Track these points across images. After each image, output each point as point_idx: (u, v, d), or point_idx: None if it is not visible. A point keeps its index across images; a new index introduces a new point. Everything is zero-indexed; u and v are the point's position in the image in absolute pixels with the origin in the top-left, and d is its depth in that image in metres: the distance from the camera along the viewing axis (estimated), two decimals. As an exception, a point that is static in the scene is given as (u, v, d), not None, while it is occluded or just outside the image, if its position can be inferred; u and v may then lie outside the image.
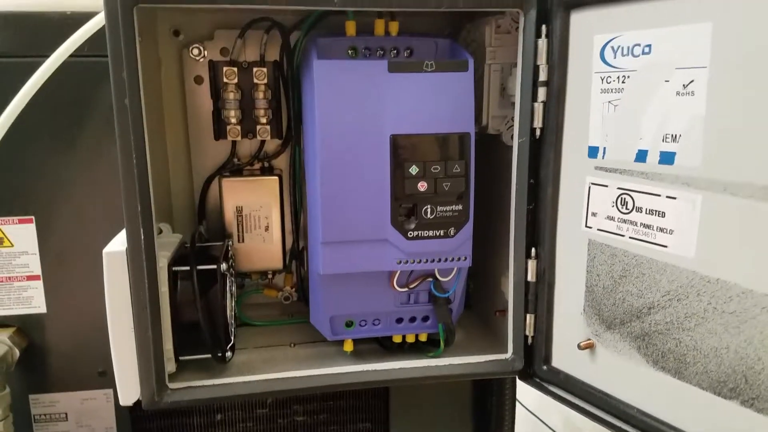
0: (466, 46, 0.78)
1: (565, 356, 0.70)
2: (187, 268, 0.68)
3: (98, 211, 0.82)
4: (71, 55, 0.70)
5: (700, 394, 0.57)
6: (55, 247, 0.82)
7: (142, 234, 0.61)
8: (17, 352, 0.81)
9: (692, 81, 0.54)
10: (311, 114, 0.67)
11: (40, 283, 0.83)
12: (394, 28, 0.71)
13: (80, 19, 0.72)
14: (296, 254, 0.86)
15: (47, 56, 0.69)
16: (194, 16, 0.80)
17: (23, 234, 0.81)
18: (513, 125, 0.69)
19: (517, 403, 1.00)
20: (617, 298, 0.63)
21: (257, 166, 0.85)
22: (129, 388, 0.66)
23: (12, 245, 0.81)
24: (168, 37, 0.80)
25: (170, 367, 0.67)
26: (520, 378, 0.74)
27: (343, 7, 0.63)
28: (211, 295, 0.69)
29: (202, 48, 0.80)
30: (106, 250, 0.63)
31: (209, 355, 0.70)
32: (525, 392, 0.75)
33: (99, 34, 0.65)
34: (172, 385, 0.67)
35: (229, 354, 0.71)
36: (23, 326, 0.84)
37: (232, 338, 0.72)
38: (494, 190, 0.77)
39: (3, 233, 0.80)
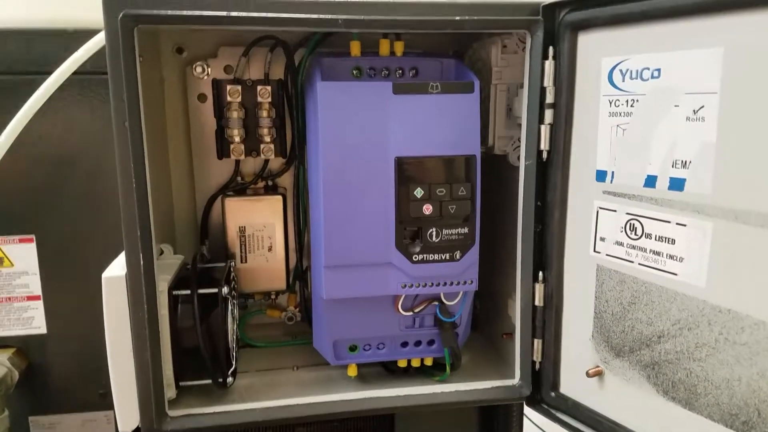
0: (471, 65, 0.77)
1: (573, 383, 0.69)
2: (188, 291, 0.67)
3: (99, 230, 0.81)
4: (74, 73, 0.70)
5: (712, 426, 0.55)
6: (55, 266, 0.81)
7: (142, 259, 0.60)
8: (17, 374, 0.80)
9: (702, 107, 0.52)
10: (315, 135, 0.66)
11: (40, 303, 0.82)
12: (399, 48, 0.70)
13: (83, 35, 0.71)
14: (300, 274, 0.85)
15: (49, 73, 0.69)
16: (198, 34, 0.79)
17: (24, 254, 0.80)
18: (519, 146, 0.68)
19: (524, 419, 0.99)
20: (626, 326, 0.62)
21: (261, 184, 0.84)
22: (128, 415, 0.65)
23: (12, 265, 0.80)
24: (171, 54, 0.79)
25: (170, 393, 0.66)
26: (527, 404, 0.73)
27: (348, 29, 0.62)
28: (212, 318, 0.68)
29: (205, 66, 0.79)
30: (105, 275, 0.62)
31: (210, 381, 0.69)
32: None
33: (101, 51, 0.64)
34: (172, 413, 0.66)
35: (230, 379, 0.70)
36: (23, 347, 0.83)
37: (234, 362, 0.71)
38: (501, 209, 0.76)
39: (3, 253, 0.79)
